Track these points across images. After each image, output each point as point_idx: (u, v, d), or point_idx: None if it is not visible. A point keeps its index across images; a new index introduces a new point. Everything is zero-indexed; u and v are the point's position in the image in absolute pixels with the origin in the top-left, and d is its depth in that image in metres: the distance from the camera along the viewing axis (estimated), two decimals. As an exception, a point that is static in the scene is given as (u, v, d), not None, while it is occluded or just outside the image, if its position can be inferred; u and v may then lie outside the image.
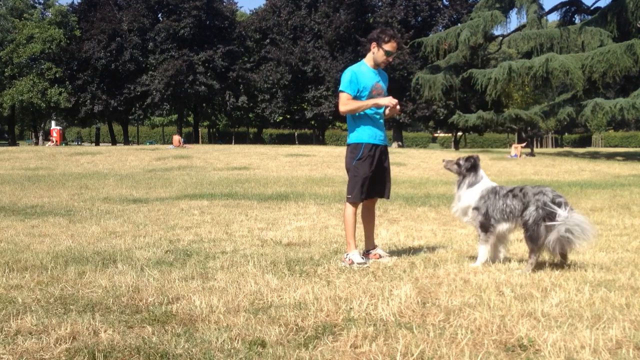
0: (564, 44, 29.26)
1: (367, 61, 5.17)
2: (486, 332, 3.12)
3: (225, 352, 2.83)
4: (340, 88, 5.10)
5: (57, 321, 3.27)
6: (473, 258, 5.11)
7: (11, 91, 48.02)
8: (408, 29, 44.83)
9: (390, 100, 5.02)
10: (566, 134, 73.61)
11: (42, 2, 53.62)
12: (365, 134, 5.10)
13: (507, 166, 22.87)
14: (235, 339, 3.01)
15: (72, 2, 56.05)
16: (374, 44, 5.09)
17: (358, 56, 47.11)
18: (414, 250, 5.58)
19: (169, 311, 3.48)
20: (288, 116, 55.40)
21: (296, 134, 69.34)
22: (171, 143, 36.68)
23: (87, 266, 4.75)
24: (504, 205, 4.82)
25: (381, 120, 5.19)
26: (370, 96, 5.07)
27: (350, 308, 3.53)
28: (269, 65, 50.04)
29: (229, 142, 61.02)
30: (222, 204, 9.97)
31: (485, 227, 4.90)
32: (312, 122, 54.48)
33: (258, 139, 62.22)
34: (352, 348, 2.91)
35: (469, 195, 4.99)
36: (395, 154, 28.66)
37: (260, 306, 3.62)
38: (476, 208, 4.94)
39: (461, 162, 5.09)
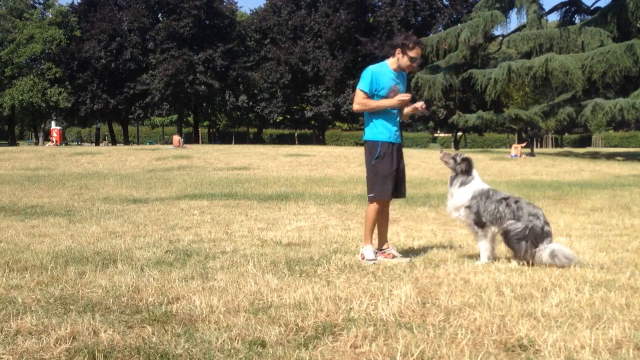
0: (563, 44, 29.24)
1: (391, 64, 5.19)
2: (486, 332, 3.12)
3: (225, 352, 2.83)
4: (358, 86, 5.15)
5: (57, 321, 3.27)
6: (473, 257, 5.12)
7: (11, 91, 48.06)
8: (408, 29, 44.83)
9: (400, 99, 5.07)
10: (566, 134, 73.58)
11: (42, 2, 53.66)
12: (379, 132, 5.15)
13: (507, 166, 22.87)
14: (235, 339, 3.01)
15: (72, 2, 56.19)
16: (398, 50, 5.10)
17: (358, 56, 47.22)
18: (414, 250, 5.58)
19: (169, 311, 3.48)
20: (288, 116, 55.41)
21: (296, 134, 69.29)
22: (171, 143, 36.69)
23: (87, 266, 4.74)
24: (495, 210, 4.95)
25: (397, 119, 5.23)
26: (386, 97, 5.11)
27: (350, 308, 3.53)
28: (269, 65, 50.08)
29: (229, 142, 61.01)
30: (222, 204, 9.97)
31: (480, 223, 5.02)
32: (312, 122, 54.49)
33: (258, 139, 62.20)
34: (352, 348, 2.91)
35: (461, 194, 5.12)
36: (395, 154, 28.64)
37: (260, 306, 3.62)
38: (468, 207, 5.06)
39: (457, 158, 5.20)
